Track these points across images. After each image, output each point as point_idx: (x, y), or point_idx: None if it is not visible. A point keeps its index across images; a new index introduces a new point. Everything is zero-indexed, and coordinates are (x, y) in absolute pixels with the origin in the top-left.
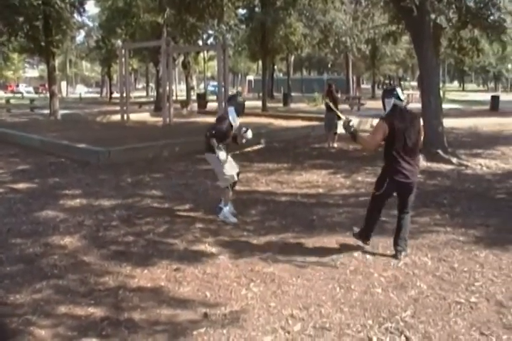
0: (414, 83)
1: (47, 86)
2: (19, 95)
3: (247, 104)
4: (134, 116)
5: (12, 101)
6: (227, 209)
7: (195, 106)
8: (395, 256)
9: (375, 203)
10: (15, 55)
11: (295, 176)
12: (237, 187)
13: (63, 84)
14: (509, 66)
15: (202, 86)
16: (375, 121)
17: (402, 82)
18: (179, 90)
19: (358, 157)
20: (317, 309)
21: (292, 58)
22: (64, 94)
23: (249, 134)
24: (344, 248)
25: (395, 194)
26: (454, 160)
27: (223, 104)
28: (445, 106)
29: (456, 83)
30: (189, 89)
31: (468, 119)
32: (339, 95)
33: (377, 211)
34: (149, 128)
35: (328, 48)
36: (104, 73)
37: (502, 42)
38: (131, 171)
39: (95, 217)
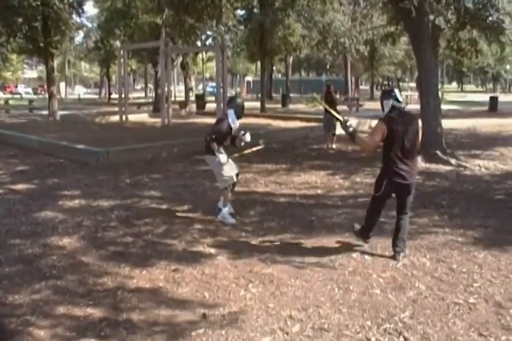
0: (413, 84)
1: (46, 87)
2: (18, 96)
3: (246, 104)
4: (132, 117)
5: (11, 102)
6: (226, 210)
7: (193, 107)
8: (393, 257)
9: (374, 204)
10: (14, 56)
11: (294, 177)
12: (235, 188)
13: (62, 85)
14: (508, 67)
15: (200, 87)
16: (374, 122)
17: (400, 83)
18: (178, 91)
19: (357, 158)
20: (316, 310)
21: (291, 59)
22: (63, 94)
23: (248, 137)
24: (343, 249)
25: (394, 195)
26: (453, 161)
27: (222, 104)
28: (444, 107)
29: (454, 84)
30: (188, 90)
31: (466, 120)
32: (338, 96)
33: (377, 211)
34: (148, 129)
35: (326, 49)
36: (102, 74)
37: (500, 43)
38: (129, 172)
39: (94, 217)
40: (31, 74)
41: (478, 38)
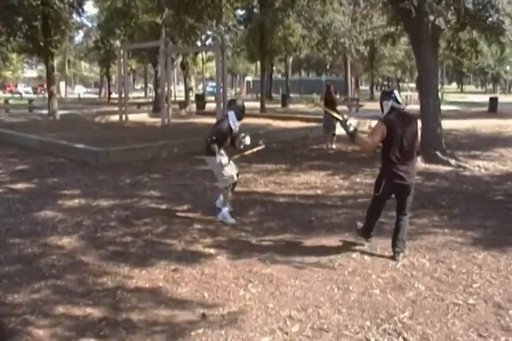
0: (413, 84)
1: (45, 86)
2: (18, 95)
3: (246, 104)
4: (132, 117)
5: (11, 101)
6: (226, 210)
7: (193, 106)
8: (393, 258)
9: (374, 204)
10: (14, 55)
11: (293, 177)
12: (235, 188)
13: (62, 84)
14: (507, 68)
15: (200, 87)
16: (374, 123)
17: (400, 84)
18: (178, 91)
19: (357, 158)
20: (315, 310)
21: (291, 59)
22: (63, 94)
23: (247, 140)
24: (342, 249)
25: (393, 195)
26: (453, 161)
27: (222, 104)
28: (443, 107)
29: (454, 85)
30: (188, 89)
31: (466, 121)
32: (338, 96)
33: (377, 211)
34: (148, 129)
35: (326, 49)
36: (102, 73)
37: (500, 43)
38: (129, 172)
39: (93, 217)
40: (31, 73)
41: (478, 38)
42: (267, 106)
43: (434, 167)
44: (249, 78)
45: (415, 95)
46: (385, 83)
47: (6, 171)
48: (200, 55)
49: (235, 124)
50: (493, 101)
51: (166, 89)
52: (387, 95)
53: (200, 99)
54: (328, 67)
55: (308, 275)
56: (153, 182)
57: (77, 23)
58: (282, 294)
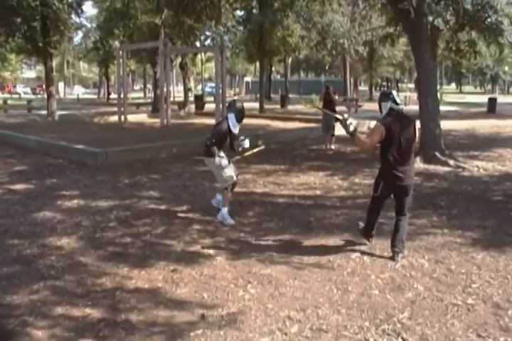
0: (412, 85)
1: (44, 87)
2: (16, 96)
3: (245, 105)
4: (131, 118)
5: (9, 102)
6: (225, 211)
7: (192, 107)
8: (392, 258)
9: (373, 204)
10: (12, 56)
11: (292, 178)
12: (235, 189)
13: (61, 85)
14: (506, 68)
15: (199, 87)
16: (373, 123)
17: (399, 84)
18: (177, 91)
19: (356, 159)
20: (314, 311)
21: (290, 60)
22: (61, 95)
23: (246, 143)
24: (341, 249)
25: (392, 196)
26: (451, 162)
27: (221, 105)
28: (442, 108)
29: (453, 85)
30: (187, 90)
31: (465, 121)
32: (336, 97)
33: (376, 212)
34: (147, 130)
35: (325, 50)
36: (101, 74)
37: (499, 44)
38: (128, 172)
39: (92, 218)
40: (30, 74)
41: (477, 39)
42: (266, 106)
43: (433, 167)
44: (248, 79)
45: (414, 96)
46: (384, 84)
47: (4, 172)
48: (199, 56)
49: (234, 127)
50: (492, 101)
51: (165, 89)
52: (385, 96)
53: (199, 100)
54: (327, 67)
55: (307, 276)
56: (153, 182)
57: (76, 24)
58: (281, 294)
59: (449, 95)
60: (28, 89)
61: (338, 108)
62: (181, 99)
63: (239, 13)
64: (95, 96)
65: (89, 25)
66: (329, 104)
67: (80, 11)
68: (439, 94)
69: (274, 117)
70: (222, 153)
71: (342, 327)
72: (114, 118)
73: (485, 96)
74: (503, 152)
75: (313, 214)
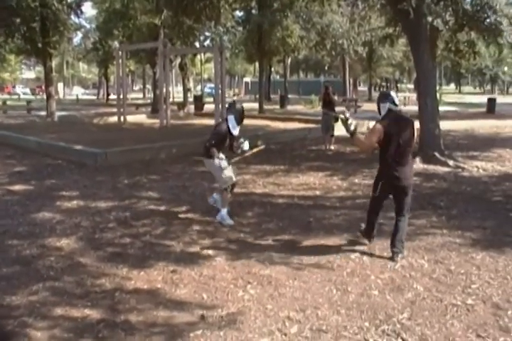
0: (411, 85)
1: (44, 87)
2: (16, 97)
3: (244, 105)
4: (130, 118)
5: (9, 102)
6: (225, 211)
7: (192, 108)
8: (391, 258)
9: (372, 204)
10: (12, 57)
11: (292, 178)
12: (234, 190)
13: (60, 85)
14: (505, 68)
15: (199, 88)
16: (372, 124)
17: (398, 85)
18: (176, 92)
19: (355, 159)
20: (314, 311)
21: (289, 60)
22: (61, 95)
23: (246, 145)
24: (341, 250)
25: (391, 196)
26: (451, 162)
27: (220, 106)
28: (442, 108)
29: (452, 85)
30: (186, 91)
31: (464, 122)
32: (336, 97)
33: (376, 212)
34: (146, 130)
35: (325, 50)
36: (101, 75)
37: (498, 44)
38: (128, 173)
39: (92, 218)
40: (29, 74)
41: (476, 39)
42: (266, 107)
43: (432, 168)
44: (247, 79)
45: (413, 96)
46: (384, 84)
47: (3, 173)
48: (198, 56)
49: (234, 128)
50: (491, 102)
51: (165, 90)
52: (384, 97)
53: (199, 100)
54: (326, 68)
55: (306, 276)
56: (152, 183)
57: (76, 25)
58: (281, 295)
59: (449, 95)
60: (28, 90)
61: (337, 108)
62: (181, 99)
63: (238, 13)
64: (94, 97)
65: (88, 26)
66: (328, 104)
67: (79, 12)
68: (438, 95)
69: (274, 118)
70: (221, 155)
71: (342, 327)
72: (114, 118)
73: (484, 96)
74: (502, 152)
75: (313, 214)
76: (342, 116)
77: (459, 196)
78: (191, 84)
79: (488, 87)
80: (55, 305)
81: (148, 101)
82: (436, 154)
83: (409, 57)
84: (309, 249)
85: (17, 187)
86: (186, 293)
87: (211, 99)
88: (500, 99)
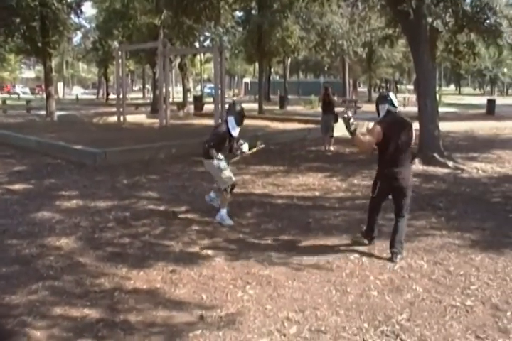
0: (411, 86)
1: (43, 87)
2: (15, 96)
3: (244, 106)
4: (130, 118)
5: (8, 102)
6: (224, 212)
7: (191, 108)
8: (390, 259)
9: (371, 205)
10: (11, 56)
11: (291, 179)
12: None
13: (60, 85)
14: (505, 70)
15: (198, 88)
16: (371, 125)
17: (398, 86)
18: (176, 92)
19: (355, 160)
20: (313, 312)
21: (289, 61)
22: (60, 95)
23: (245, 147)
24: (340, 251)
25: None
26: (450, 163)
27: (220, 106)
28: (441, 109)
29: (452, 87)
30: (186, 91)
31: (464, 123)
32: (336, 98)
33: (375, 213)
34: (146, 130)
35: (324, 51)
36: (100, 74)
37: (498, 46)
38: (127, 173)
39: (91, 218)
40: (29, 74)
41: (476, 40)
42: (265, 107)
43: (432, 169)
44: (247, 79)
45: (413, 97)
46: (383, 85)
47: (3, 172)
48: (198, 57)
49: (234, 130)
50: (491, 103)
51: (164, 90)
52: (383, 98)
53: (198, 101)
54: (326, 68)
55: (306, 277)
56: (151, 183)
57: (76, 24)
58: (280, 296)
59: (448, 96)
60: (27, 90)
61: (337, 109)
62: (180, 99)
63: (238, 14)
64: (94, 97)
65: (88, 26)
66: (328, 105)
67: (79, 12)
68: (438, 96)
69: (273, 118)
70: (220, 156)
71: (341, 328)
72: (113, 118)
73: (484, 97)
74: (501, 154)
75: (312, 215)
76: (346, 115)
77: (459, 197)
78: (191, 85)
79: (488, 89)
80: (54, 305)
81: (148, 101)
82: (436, 155)
83: (409, 58)
84: (308, 250)
85: (16, 187)
86: (185, 293)
87: (211, 100)
88: (500, 101)
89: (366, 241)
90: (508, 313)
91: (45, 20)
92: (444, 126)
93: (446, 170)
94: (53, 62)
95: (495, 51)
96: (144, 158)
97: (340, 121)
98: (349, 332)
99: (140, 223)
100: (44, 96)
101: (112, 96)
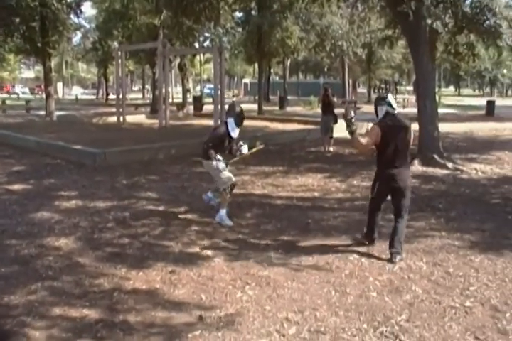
0: (410, 87)
1: (43, 87)
2: (15, 96)
3: (244, 106)
4: (130, 118)
5: (8, 102)
6: (224, 212)
7: (191, 108)
8: (390, 260)
9: (372, 206)
10: (11, 56)
11: (291, 179)
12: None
13: (59, 85)
14: (505, 71)
15: (198, 88)
16: (371, 125)
17: (398, 87)
18: (175, 92)
19: (354, 161)
20: (312, 312)
21: (288, 62)
22: (60, 95)
23: (245, 149)
24: (339, 251)
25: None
26: (450, 164)
27: (219, 106)
28: (441, 110)
29: (452, 88)
30: (185, 91)
31: (463, 124)
32: (335, 99)
33: (375, 214)
34: (145, 131)
35: (324, 52)
36: (100, 75)
37: (498, 47)
38: (126, 173)
39: (91, 218)
40: (28, 74)
41: (476, 42)
42: (265, 108)
43: (431, 170)
44: (246, 80)
45: (413, 98)
46: (383, 86)
47: (2, 172)
48: (197, 57)
49: (234, 131)
50: (490, 104)
51: (164, 90)
52: (381, 100)
53: (198, 101)
54: (325, 69)
55: (305, 278)
56: (151, 183)
57: (75, 24)
58: (279, 296)
59: (448, 98)
60: (27, 90)
61: (336, 110)
62: (180, 100)
63: (238, 14)
64: (94, 97)
65: (88, 26)
66: (327, 106)
67: (78, 12)
68: (437, 97)
69: (273, 119)
70: (219, 156)
71: (340, 329)
72: (113, 118)
73: (483, 99)
74: (501, 155)
75: (312, 215)
76: (349, 116)
77: (458, 198)
78: (190, 85)
79: (488, 90)
80: (53, 305)
81: (148, 101)
82: (435, 156)
83: (409, 59)
84: (308, 250)
85: (16, 187)
86: (185, 293)
87: (210, 100)
88: (500, 102)
89: (365, 243)
90: (507, 314)
91: (44, 20)
92: (443, 127)
93: (445, 171)
94: (53, 62)
95: (494, 52)
96: (144, 158)
97: (340, 121)
98: (348, 333)
99: (139, 223)
100: (43, 96)
101: (111, 96)
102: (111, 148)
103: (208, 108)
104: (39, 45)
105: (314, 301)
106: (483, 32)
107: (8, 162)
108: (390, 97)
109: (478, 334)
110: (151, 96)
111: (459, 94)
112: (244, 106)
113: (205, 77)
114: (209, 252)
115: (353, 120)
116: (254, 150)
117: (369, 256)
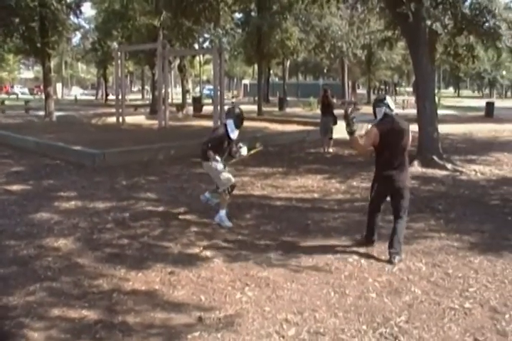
0: (410, 89)
1: (42, 87)
2: (14, 96)
3: (243, 107)
4: (129, 119)
5: (7, 102)
6: (223, 213)
7: (190, 109)
8: (389, 261)
9: (371, 207)
10: (10, 56)
11: (290, 181)
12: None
13: (59, 85)
14: (504, 72)
15: (197, 89)
16: (370, 127)
17: (397, 88)
18: (175, 93)
19: (354, 162)
20: (311, 314)
21: (288, 63)
22: (59, 95)
23: (244, 151)
24: (339, 253)
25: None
26: (449, 166)
27: (219, 107)
28: (440, 112)
29: (451, 89)
30: (185, 92)
31: (463, 125)
32: (335, 100)
33: (375, 215)
34: (145, 131)
35: (324, 53)
36: (99, 75)
37: (497, 48)
38: (126, 174)
39: (90, 219)
40: (28, 74)
41: (475, 43)
42: (264, 109)
43: (430, 171)
44: (246, 81)
45: (412, 99)
46: (382, 87)
47: (1, 173)
48: (197, 58)
49: (233, 133)
50: (490, 105)
51: (163, 91)
52: (380, 102)
53: (198, 102)
54: (325, 70)
55: (304, 279)
56: (150, 184)
57: (75, 25)
58: (279, 297)
59: (447, 99)
60: (26, 90)
61: (336, 111)
62: (179, 101)
63: (237, 15)
64: (93, 98)
65: (87, 26)
66: (327, 107)
67: (78, 12)
68: (437, 98)
69: (272, 120)
70: (218, 158)
71: (339, 330)
72: (112, 119)
73: (483, 100)
74: (500, 156)
75: (311, 217)
76: (350, 115)
77: (457, 199)
78: (190, 86)
79: (487, 91)
80: (52, 306)
81: (147, 102)
82: (435, 158)
83: (408, 60)
84: (307, 252)
85: (15, 187)
86: (184, 294)
87: (210, 101)
88: (499, 103)
89: (365, 244)
90: (507, 316)
91: (44, 20)
92: (442, 129)
93: (444, 173)
94: (52, 63)
95: (494, 54)
96: (143, 159)
97: (340, 122)
98: (348, 334)
99: (139, 224)
100: (43, 96)
101: (111, 97)
102: (110, 149)
103: (208, 109)
104: (38, 45)
105: (314, 302)
106: (482, 33)
107: (7, 162)
108: (389, 99)
109: (478, 335)
110: (151, 97)
111: (459, 96)
112: (243, 107)
113: (204, 78)
114: (208, 253)
115: (354, 120)
116: (253, 151)
117: (368, 257)
